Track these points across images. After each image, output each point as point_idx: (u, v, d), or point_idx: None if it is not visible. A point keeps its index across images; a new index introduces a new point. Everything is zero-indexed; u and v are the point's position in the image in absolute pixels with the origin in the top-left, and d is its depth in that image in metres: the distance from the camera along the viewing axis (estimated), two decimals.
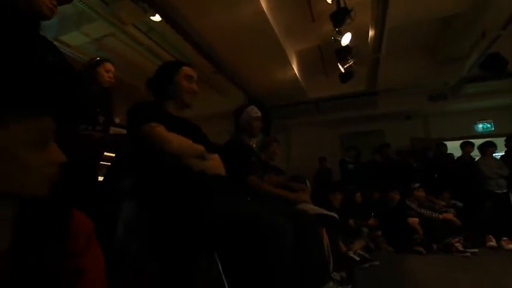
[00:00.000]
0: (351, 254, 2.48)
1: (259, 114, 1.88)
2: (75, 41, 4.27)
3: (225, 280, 1.18)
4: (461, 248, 2.93)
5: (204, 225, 1.03)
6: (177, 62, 1.36)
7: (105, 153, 1.93)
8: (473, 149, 4.58)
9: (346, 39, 3.78)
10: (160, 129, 1.05)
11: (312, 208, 1.56)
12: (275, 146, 2.38)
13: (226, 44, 4.07)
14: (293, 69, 4.81)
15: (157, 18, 3.58)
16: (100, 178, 1.81)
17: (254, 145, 2.07)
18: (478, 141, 4.55)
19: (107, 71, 1.91)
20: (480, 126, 5.98)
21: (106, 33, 4.21)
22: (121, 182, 1.30)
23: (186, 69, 1.27)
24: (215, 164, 1.18)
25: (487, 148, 4.23)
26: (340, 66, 4.23)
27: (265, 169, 2.06)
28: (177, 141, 1.06)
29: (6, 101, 0.38)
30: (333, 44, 3.98)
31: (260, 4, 3.25)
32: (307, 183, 2.05)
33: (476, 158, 4.35)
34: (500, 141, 4.53)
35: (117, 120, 2.25)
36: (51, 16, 1.20)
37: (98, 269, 0.53)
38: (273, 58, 4.47)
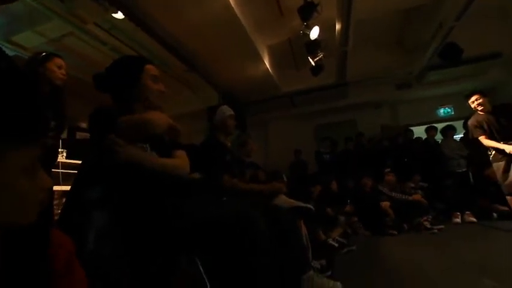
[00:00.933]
0: (330, 241, 2.58)
1: (232, 112, 1.89)
2: (30, 42, 3.94)
3: (206, 280, 1.18)
4: (428, 226, 3.15)
5: (180, 226, 1.02)
6: (137, 59, 1.24)
7: (71, 161, 1.83)
8: (436, 133, 4.92)
9: (314, 33, 3.86)
10: (134, 116, 1.01)
11: (288, 201, 1.59)
12: (251, 143, 2.39)
13: (195, 41, 3.99)
14: (265, 64, 4.83)
15: (119, 15, 3.40)
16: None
17: (229, 144, 2.07)
18: (441, 125, 4.90)
19: (59, 67, 1.74)
20: (442, 111, 6.41)
21: (64, 33, 3.94)
22: (90, 191, 1.24)
23: (151, 69, 1.18)
24: (178, 162, 1.15)
25: (448, 131, 4.57)
26: (310, 60, 4.32)
27: (241, 167, 2.07)
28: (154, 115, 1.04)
29: (2, 128, 0.36)
30: (302, 38, 4.05)
31: None
32: (284, 177, 2.09)
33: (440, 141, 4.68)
34: (459, 124, 4.90)
35: (83, 125, 2.13)
36: None
37: None
38: (244, 53, 4.45)
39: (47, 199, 0.43)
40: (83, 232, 1.07)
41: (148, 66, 1.19)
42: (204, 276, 1.20)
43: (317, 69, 4.55)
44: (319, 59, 4.32)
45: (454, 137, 4.69)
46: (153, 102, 1.21)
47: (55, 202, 2.34)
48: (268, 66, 4.95)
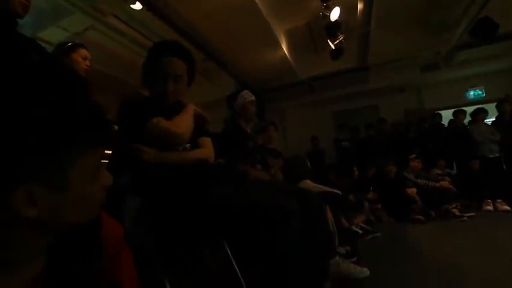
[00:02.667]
0: (353, 227, 2.54)
1: (253, 98, 1.87)
2: (54, 37, 4.07)
3: (235, 264, 1.20)
4: (458, 213, 3.03)
5: (208, 212, 1.04)
6: (158, 50, 1.15)
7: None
8: (465, 117, 4.65)
9: (335, 14, 3.69)
10: (163, 122, 1.04)
11: (314, 186, 1.57)
12: (272, 130, 2.37)
13: (212, 28, 3.95)
14: (283, 49, 4.71)
15: (137, 6, 3.42)
16: None
17: (249, 131, 2.06)
18: (470, 109, 4.61)
19: (84, 58, 1.72)
20: (471, 93, 6.02)
21: (86, 26, 4.03)
22: (120, 179, 1.29)
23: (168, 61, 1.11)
24: (202, 153, 1.17)
25: (478, 114, 4.29)
26: (330, 43, 4.16)
27: (262, 153, 2.06)
28: (182, 124, 1.08)
29: (77, 132, 0.35)
30: (321, 21, 3.89)
31: None
32: (308, 163, 2.06)
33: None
34: (491, 107, 4.58)
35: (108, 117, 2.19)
36: (24, 14, 1.11)
37: (132, 277, 0.53)
38: (261, 39, 4.35)
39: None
40: (118, 215, 1.11)
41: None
42: (232, 259, 1.23)
43: (337, 53, 4.38)
44: (339, 41, 4.15)
45: (485, 120, 4.41)
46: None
47: None
48: (286, 51, 4.83)
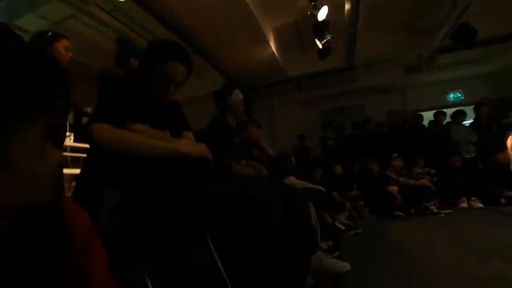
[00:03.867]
0: (336, 224, 2.59)
1: (242, 97, 1.88)
2: (32, 26, 3.87)
3: (218, 261, 1.19)
4: (435, 210, 3.15)
5: (191, 207, 1.02)
6: (165, 51, 1.09)
7: (79, 144, 1.83)
8: (445, 118, 4.83)
9: (322, 13, 3.72)
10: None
11: (298, 182, 1.58)
12: (252, 127, 2.36)
13: (199, 22, 3.89)
14: (271, 47, 4.71)
15: None
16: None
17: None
18: (450, 111, 4.80)
19: (66, 49, 1.69)
20: (451, 95, 6.26)
21: (66, 15, 3.86)
22: (99, 172, 1.24)
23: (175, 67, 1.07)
24: (187, 144, 1.13)
25: (458, 116, 4.48)
26: (318, 42, 4.19)
27: (250, 149, 2.06)
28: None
29: (14, 101, 0.34)
30: (309, 19, 3.91)
31: None
32: (293, 160, 2.08)
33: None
34: (470, 110, 4.79)
35: (88, 110, 2.12)
36: None
37: (104, 268, 0.49)
38: (249, 35, 4.33)
39: (59, 174, 0.41)
40: (95, 211, 1.07)
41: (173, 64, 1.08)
42: (216, 256, 1.21)
43: (325, 52, 4.43)
44: (326, 41, 4.19)
45: (463, 122, 4.60)
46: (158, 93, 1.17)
47: (65, 186, 2.37)
48: (274, 49, 4.83)
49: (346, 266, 1.53)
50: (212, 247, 1.21)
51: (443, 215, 3.06)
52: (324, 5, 3.63)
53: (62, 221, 0.44)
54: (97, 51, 4.74)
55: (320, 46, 4.29)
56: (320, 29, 3.95)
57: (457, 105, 5.80)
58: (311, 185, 1.57)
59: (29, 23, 3.84)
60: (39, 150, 0.38)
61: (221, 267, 1.17)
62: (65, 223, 0.44)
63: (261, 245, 0.89)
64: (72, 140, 2.82)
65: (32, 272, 0.38)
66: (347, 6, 3.76)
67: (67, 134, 2.63)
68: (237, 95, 1.87)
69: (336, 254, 1.78)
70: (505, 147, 2.91)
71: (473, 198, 3.54)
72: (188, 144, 1.11)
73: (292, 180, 1.62)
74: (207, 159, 1.17)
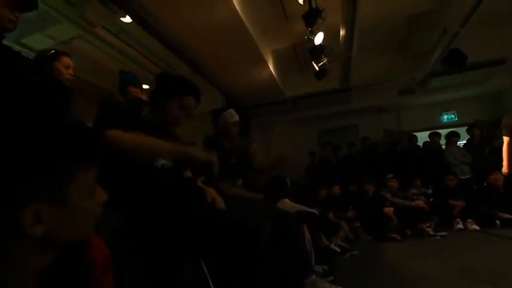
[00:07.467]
0: (332, 246, 2.59)
1: (236, 118, 1.88)
2: (39, 45, 4.00)
3: (210, 282, 1.20)
4: (431, 233, 3.15)
5: (187, 229, 1.05)
6: (183, 86, 1.25)
7: None
8: (440, 139, 4.92)
9: (319, 38, 3.89)
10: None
11: (292, 206, 1.61)
12: (254, 147, 2.42)
13: (201, 45, 4.04)
14: (269, 68, 4.87)
15: (127, 19, 3.46)
16: None
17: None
18: (444, 131, 4.90)
19: (67, 67, 1.65)
20: (445, 117, 6.41)
21: (73, 36, 4.01)
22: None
23: (188, 101, 1.23)
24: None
25: (451, 137, 4.57)
26: (314, 65, 4.35)
27: (246, 169, 2.09)
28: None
29: (74, 150, 0.39)
30: (307, 43, 4.08)
31: (233, 4, 3.25)
32: (288, 182, 2.11)
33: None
34: (463, 131, 4.90)
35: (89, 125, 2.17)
36: (13, 29, 1.11)
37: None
38: (249, 57, 4.49)
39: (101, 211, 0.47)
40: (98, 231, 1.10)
41: (187, 98, 1.23)
42: (208, 278, 1.23)
43: (321, 74, 4.58)
44: (323, 64, 4.34)
45: (458, 143, 4.69)
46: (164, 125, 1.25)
47: None
48: (272, 70, 4.99)
49: None
50: (205, 270, 1.23)
51: (439, 237, 3.06)
52: (320, 31, 3.80)
53: (88, 253, 0.49)
54: (101, 70, 4.89)
55: (317, 68, 4.45)
56: (317, 52, 4.11)
57: (450, 126, 5.94)
58: (305, 208, 1.60)
59: (37, 42, 3.97)
60: (91, 192, 0.43)
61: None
62: (90, 255, 0.50)
63: (248, 272, 0.92)
64: None
65: None
66: (342, 32, 3.94)
67: None
68: (226, 118, 1.85)
69: (331, 278, 1.77)
70: (497, 168, 2.95)
71: (469, 220, 3.54)
72: (198, 150, 1.13)
73: (286, 203, 1.65)
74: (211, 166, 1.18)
